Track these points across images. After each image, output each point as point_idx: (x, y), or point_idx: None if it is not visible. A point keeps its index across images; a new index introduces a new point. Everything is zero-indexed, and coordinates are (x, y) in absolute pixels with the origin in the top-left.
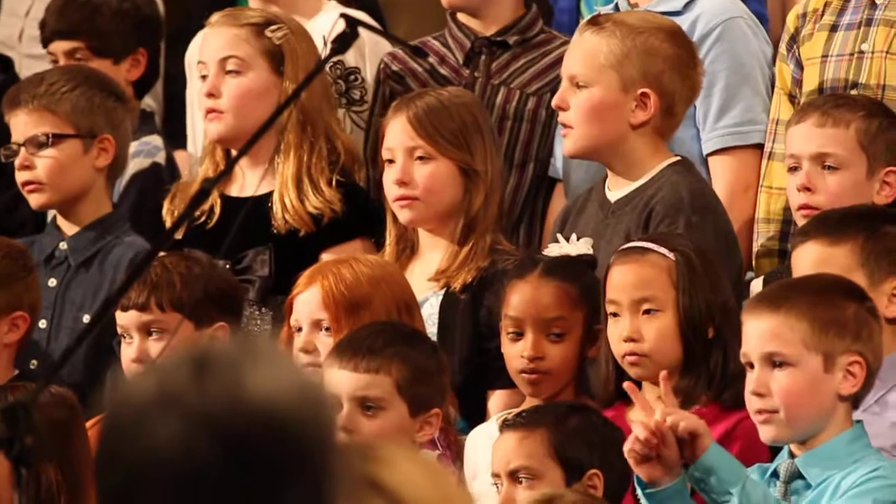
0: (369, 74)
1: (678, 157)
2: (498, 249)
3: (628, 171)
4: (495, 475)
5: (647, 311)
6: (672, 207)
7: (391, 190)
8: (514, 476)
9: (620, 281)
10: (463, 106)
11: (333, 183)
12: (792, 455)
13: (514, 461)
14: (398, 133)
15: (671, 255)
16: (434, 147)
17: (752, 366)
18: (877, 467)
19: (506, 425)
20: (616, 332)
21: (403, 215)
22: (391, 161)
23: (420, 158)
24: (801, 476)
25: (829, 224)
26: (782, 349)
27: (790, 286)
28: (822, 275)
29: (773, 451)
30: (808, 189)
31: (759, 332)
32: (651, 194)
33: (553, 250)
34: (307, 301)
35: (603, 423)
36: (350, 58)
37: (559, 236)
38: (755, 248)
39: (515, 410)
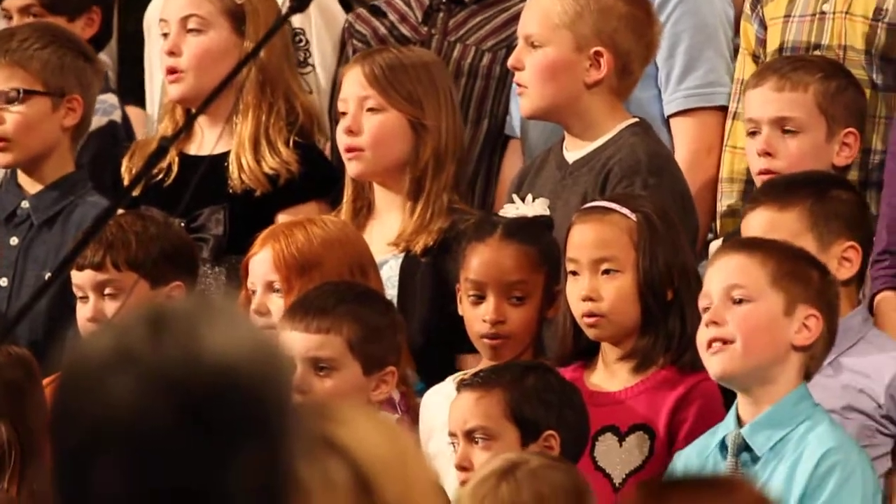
0: (314, 36)
1: (636, 119)
2: (456, 209)
3: (585, 132)
4: (452, 434)
5: (606, 271)
6: (629, 169)
7: (341, 139)
8: (470, 436)
9: (581, 240)
10: (422, 65)
11: (291, 144)
12: (739, 423)
13: (471, 421)
14: (352, 84)
15: (633, 216)
16: (385, 98)
17: (709, 309)
18: (826, 450)
19: (462, 385)
20: (575, 291)
21: (351, 168)
22: (345, 113)
23: (370, 110)
24: (748, 447)
25: (778, 190)
26: (745, 282)
27: (761, 238)
28: (793, 244)
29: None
30: (768, 154)
31: (724, 268)
32: (609, 155)
33: (509, 211)
34: (260, 263)
35: (560, 384)
36: (295, 19)
37: (515, 197)
38: (719, 208)
39: (472, 370)
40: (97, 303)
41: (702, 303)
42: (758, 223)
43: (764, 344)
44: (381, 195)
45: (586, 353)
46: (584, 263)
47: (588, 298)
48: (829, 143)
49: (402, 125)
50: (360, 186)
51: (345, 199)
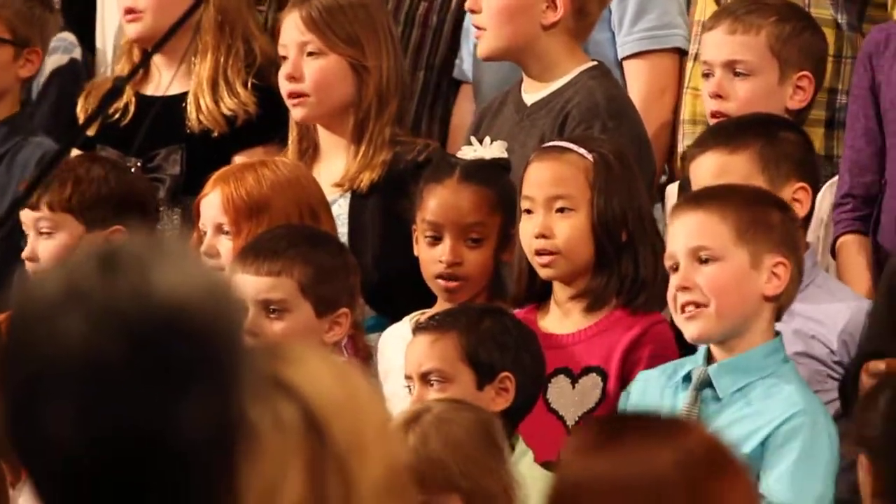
0: None
1: (595, 62)
2: (399, 141)
3: (543, 73)
4: (408, 377)
5: (560, 210)
6: (588, 112)
7: (283, 85)
8: (425, 378)
9: (537, 177)
10: (359, 5)
11: (249, 86)
12: (708, 360)
13: (426, 364)
14: (291, 29)
15: (589, 156)
16: (324, 42)
17: (675, 269)
18: (797, 410)
19: (418, 328)
20: (528, 229)
21: (296, 113)
22: (286, 58)
23: (311, 54)
24: (711, 385)
25: (726, 133)
26: (709, 243)
27: (716, 189)
28: (747, 185)
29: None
30: (719, 96)
31: (686, 228)
32: (567, 98)
33: (467, 153)
34: (210, 205)
35: (516, 327)
36: None
37: (473, 139)
38: (680, 150)
39: (429, 312)
40: (34, 241)
41: (667, 262)
42: (708, 167)
43: (736, 302)
44: (325, 137)
45: (540, 295)
46: (539, 201)
47: (541, 235)
48: (781, 86)
49: (343, 68)
50: (304, 128)
51: (290, 141)
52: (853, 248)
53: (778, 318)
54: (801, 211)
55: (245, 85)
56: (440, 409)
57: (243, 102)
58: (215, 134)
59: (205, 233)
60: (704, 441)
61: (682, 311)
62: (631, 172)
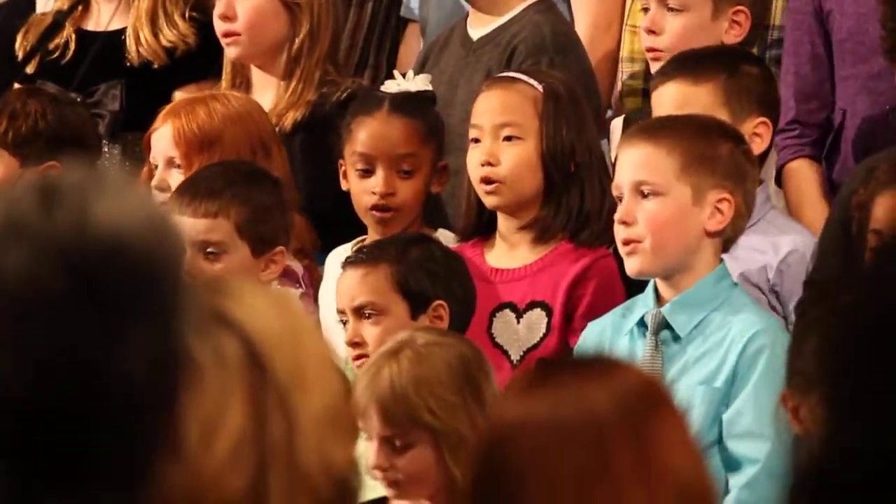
0: None
1: None
2: (329, 81)
3: (490, 8)
4: (340, 311)
5: (508, 138)
6: (535, 47)
7: (217, 25)
8: (359, 312)
9: (485, 106)
10: None
11: (187, 17)
12: (658, 300)
13: (359, 297)
14: None
15: (539, 87)
16: None
17: (622, 200)
18: (755, 332)
19: (347, 262)
20: (475, 157)
21: (230, 52)
22: None
23: None
24: (668, 325)
25: (690, 64)
26: (652, 178)
27: (669, 120)
28: (702, 115)
29: (630, 292)
30: (652, 31)
31: (631, 160)
32: (514, 33)
33: (391, 87)
34: (161, 138)
35: (443, 253)
36: None
37: (396, 73)
38: (618, 87)
39: (369, 239)
40: None
41: (614, 192)
42: (669, 97)
43: (675, 239)
44: (258, 73)
45: (487, 229)
46: (487, 129)
47: (486, 163)
48: (716, 21)
49: (275, 6)
50: (238, 63)
51: (224, 76)
52: (804, 173)
53: (725, 249)
54: (760, 146)
55: (183, 16)
56: (422, 341)
57: (182, 34)
58: (156, 66)
59: (156, 167)
60: (640, 380)
61: (624, 244)
62: (580, 105)
